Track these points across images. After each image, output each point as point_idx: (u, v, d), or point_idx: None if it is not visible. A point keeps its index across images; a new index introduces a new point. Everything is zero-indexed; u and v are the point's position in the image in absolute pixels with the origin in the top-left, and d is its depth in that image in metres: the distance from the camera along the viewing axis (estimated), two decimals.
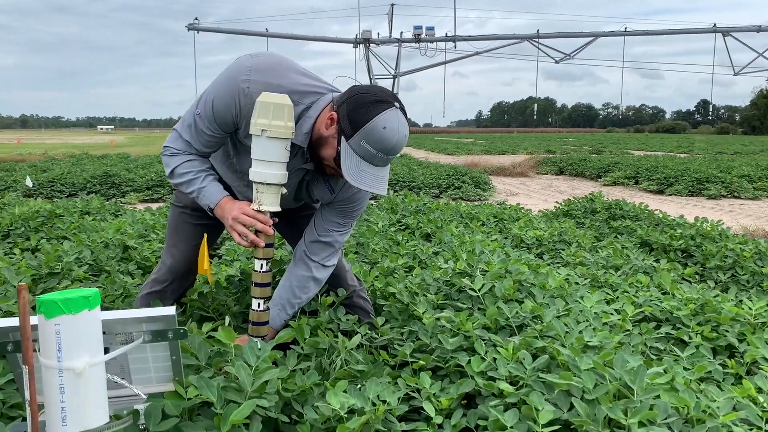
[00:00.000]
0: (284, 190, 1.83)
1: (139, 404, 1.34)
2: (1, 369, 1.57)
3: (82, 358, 1.14)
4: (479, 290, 2.41)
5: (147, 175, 10.60)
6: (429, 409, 1.60)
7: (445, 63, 32.60)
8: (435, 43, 31.41)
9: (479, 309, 2.37)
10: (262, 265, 1.85)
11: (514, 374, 1.70)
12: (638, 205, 6.17)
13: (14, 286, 2.50)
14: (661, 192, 11.45)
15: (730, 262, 3.85)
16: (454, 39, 31.34)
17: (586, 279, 3.14)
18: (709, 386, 1.74)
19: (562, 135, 68.49)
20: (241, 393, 1.42)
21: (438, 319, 2.15)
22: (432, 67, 33.05)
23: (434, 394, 1.68)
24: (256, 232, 1.82)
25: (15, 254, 3.46)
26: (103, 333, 1.23)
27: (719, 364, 2.11)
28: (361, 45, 31.74)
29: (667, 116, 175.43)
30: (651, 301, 2.73)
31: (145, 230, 4.23)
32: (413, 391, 1.72)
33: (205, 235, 1.99)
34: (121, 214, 5.82)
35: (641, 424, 1.43)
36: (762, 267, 3.75)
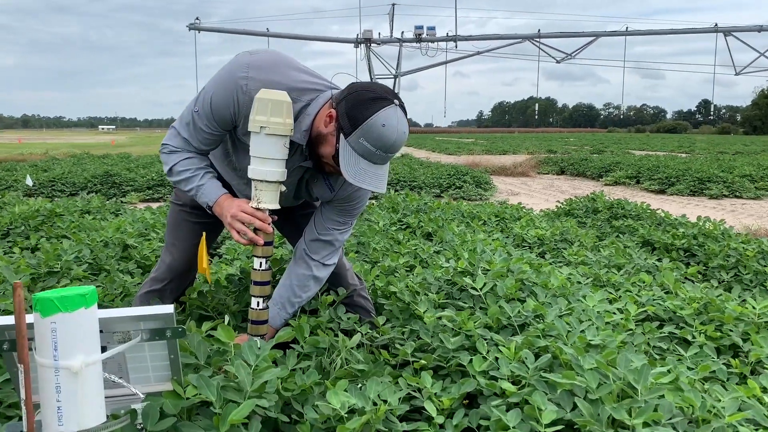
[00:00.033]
0: (283, 188, 1.82)
1: (137, 404, 1.32)
2: None
3: (79, 356, 1.12)
4: (481, 289, 2.39)
5: (148, 174, 10.59)
6: (430, 408, 1.58)
7: (446, 63, 32.57)
8: (436, 43, 31.37)
9: (481, 308, 2.35)
10: (261, 263, 1.83)
11: (516, 374, 1.68)
12: (640, 204, 6.15)
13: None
14: (662, 192, 11.43)
15: (732, 262, 3.82)
16: (455, 39, 31.31)
17: (588, 278, 3.12)
18: (714, 386, 1.72)
19: (563, 135, 68.48)
20: (240, 392, 1.40)
21: (439, 318, 2.13)
22: (433, 67, 33.01)
23: (436, 394, 1.66)
24: (255, 230, 1.80)
25: (14, 253, 3.44)
26: (101, 331, 1.21)
27: (723, 363, 2.09)
28: (362, 45, 31.72)
29: (669, 116, 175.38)
30: (654, 300, 2.71)
31: (145, 229, 4.21)
32: (414, 391, 1.70)
33: (204, 233, 1.98)
34: (121, 213, 5.81)
35: (646, 424, 1.41)
36: (765, 266, 3.73)
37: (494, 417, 1.50)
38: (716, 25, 30.31)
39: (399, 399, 1.58)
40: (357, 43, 31.70)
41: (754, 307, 2.49)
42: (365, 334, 2.09)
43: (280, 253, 2.96)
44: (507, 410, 1.53)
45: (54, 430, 1.12)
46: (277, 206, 1.82)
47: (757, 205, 9.73)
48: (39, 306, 1.10)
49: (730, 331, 2.34)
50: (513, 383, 1.66)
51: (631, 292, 2.90)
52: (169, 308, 1.28)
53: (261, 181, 1.77)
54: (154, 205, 6.63)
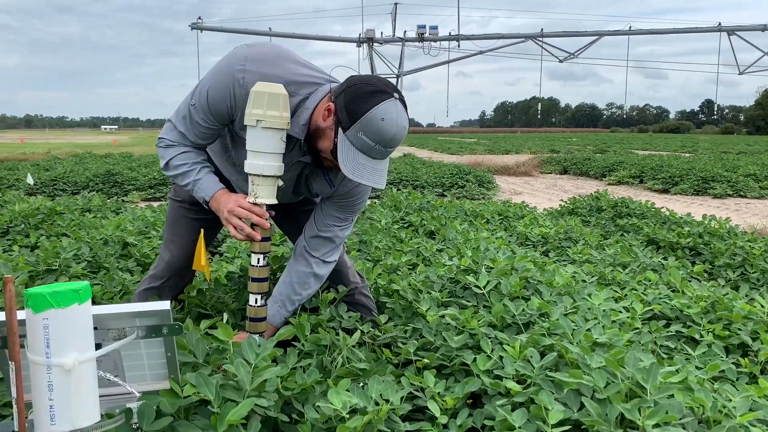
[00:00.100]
0: (280, 182, 1.78)
1: (133, 403, 1.29)
2: None
3: (72, 354, 1.09)
4: (484, 287, 2.35)
5: (150, 173, 10.58)
6: (434, 408, 1.55)
7: (448, 62, 32.51)
8: (438, 43, 31.29)
9: (485, 306, 2.31)
10: (259, 259, 1.80)
11: (521, 373, 1.65)
12: (644, 203, 6.11)
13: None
14: (666, 191, 11.37)
15: (739, 260, 3.78)
16: (458, 38, 31.24)
17: (593, 277, 3.08)
18: (724, 385, 1.68)
19: (565, 135, 68.46)
20: (239, 391, 1.36)
21: (442, 316, 2.10)
22: (435, 66, 32.93)
23: (439, 393, 1.62)
24: (253, 225, 1.77)
25: (14, 251, 3.41)
26: (95, 328, 1.18)
27: (732, 363, 2.05)
28: (364, 44, 31.68)
29: (671, 116, 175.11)
30: (660, 298, 2.67)
31: (146, 227, 4.19)
32: (417, 390, 1.67)
33: (203, 230, 1.94)
34: (122, 212, 5.78)
35: (656, 425, 1.37)
36: None
37: (499, 417, 1.46)
38: (720, 24, 30.21)
39: (401, 398, 1.54)
40: (359, 42, 31.67)
41: (762, 306, 2.45)
42: (367, 333, 2.06)
43: (281, 251, 2.92)
44: (512, 410, 1.49)
45: (46, 429, 1.09)
46: (274, 201, 1.78)
47: (761, 205, 9.68)
48: (31, 302, 1.07)
49: (739, 330, 2.30)
50: (518, 382, 1.63)
51: (636, 290, 2.86)
52: (165, 305, 1.24)
53: (258, 175, 1.73)
54: (155, 204, 6.60)
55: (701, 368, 1.94)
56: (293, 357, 1.66)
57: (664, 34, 32.42)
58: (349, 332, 2.08)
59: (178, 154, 1.86)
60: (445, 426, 1.53)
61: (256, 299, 1.82)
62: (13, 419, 1.17)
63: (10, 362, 1.07)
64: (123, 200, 8.74)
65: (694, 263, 3.99)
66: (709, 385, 1.74)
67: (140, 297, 2.16)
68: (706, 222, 4.86)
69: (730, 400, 1.57)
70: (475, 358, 1.75)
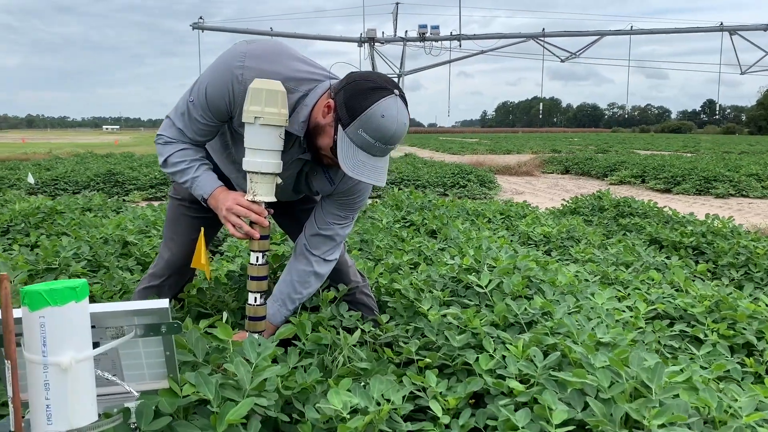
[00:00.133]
0: (279, 180, 1.76)
1: (131, 402, 1.27)
2: None
3: (69, 352, 1.07)
4: (487, 286, 2.33)
5: (151, 173, 10.57)
6: (436, 408, 1.53)
7: (450, 62, 32.48)
8: (440, 42, 31.26)
9: (487, 306, 2.29)
10: (258, 257, 1.78)
11: (524, 372, 1.63)
12: (647, 202, 6.09)
13: (11, 282, 2.44)
14: (668, 191, 11.35)
15: (743, 260, 3.76)
16: (459, 38, 31.20)
17: (596, 276, 3.06)
18: (730, 385, 1.66)
19: (567, 135, 68.37)
20: (239, 391, 1.35)
21: (444, 315, 2.08)
22: (437, 66, 32.89)
23: (441, 393, 1.61)
24: (251, 223, 1.75)
25: (14, 250, 3.40)
26: (93, 327, 1.16)
27: (737, 362, 2.03)
28: (365, 44, 31.66)
29: (673, 116, 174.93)
30: (664, 298, 2.65)
31: (146, 226, 4.17)
32: (419, 390, 1.65)
33: (203, 228, 1.93)
34: (122, 211, 5.76)
35: (662, 425, 1.35)
36: None
37: (502, 417, 1.44)
38: (721, 24, 30.15)
39: (403, 398, 1.53)
40: (361, 42, 31.64)
41: (767, 305, 2.43)
42: (368, 332, 2.04)
43: (281, 249, 2.90)
44: (515, 410, 1.47)
45: (43, 429, 1.08)
46: (273, 199, 1.76)
47: (764, 204, 9.65)
48: (27, 299, 1.05)
49: (744, 329, 2.28)
50: (521, 382, 1.61)
51: (640, 289, 2.84)
52: (164, 302, 1.23)
53: (256, 173, 1.72)
54: (156, 204, 6.59)
55: (706, 368, 1.92)
56: (294, 356, 1.64)
57: (666, 34, 32.37)
58: (350, 331, 2.06)
59: (177, 151, 1.84)
60: (447, 426, 1.52)
61: (255, 298, 1.80)
62: (8, 418, 1.16)
63: (6, 361, 1.05)
64: (124, 200, 8.73)
65: (697, 263, 3.97)
66: (715, 385, 1.72)
67: (140, 296, 2.14)
68: (709, 221, 4.84)
69: (736, 400, 1.55)
70: (477, 358, 1.74)
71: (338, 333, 1.91)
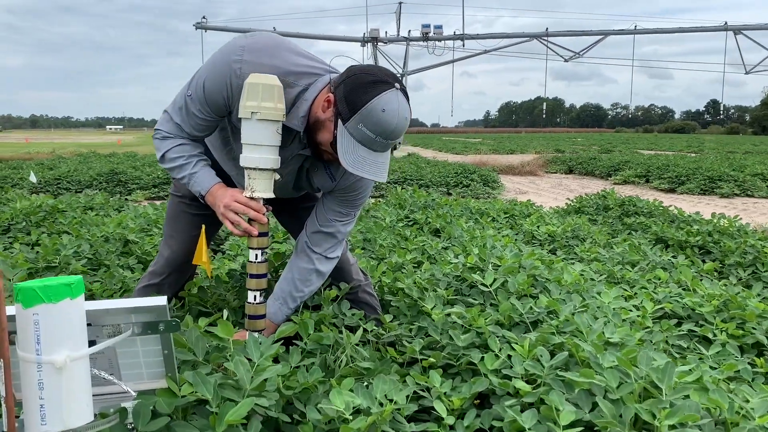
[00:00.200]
0: (277, 176, 1.73)
1: (129, 402, 1.24)
2: None
3: (63, 351, 1.04)
4: (491, 285, 2.30)
5: (153, 172, 10.56)
6: (440, 409, 1.50)
7: (453, 62, 32.43)
8: (443, 42, 31.21)
9: (491, 305, 2.26)
10: (257, 255, 1.75)
11: (530, 372, 1.59)
12: (652, 201, 6.04)
13: (9, 280, 2.42)
14: (672, 191, 11.30)
15: (750, 259, 3.71)
16: (463, 37, 31.15)
17: (602, 275, 3.03)
18: (741, 386, 1.62)
19: (570, 135, 68.30)
20: (239, 391, 1.32)
21: (448, 314, 2.05)
22: (440, 66, 32.85)
23: (445, 393, 1.57)
24: (250, 220, 1.72)
25: (15, 248, 3.38)
26: (89, 325, 1.13)
27: (747, 363, 1.99)
28: (368, 44, 31.63)
29: (677, 116, 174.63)
30: (671, 297, 2.61)
31: (147, 225, 4.15)
32: (423, 390, 1.62)
33: (204, 226, 1.90)
34: (124, 210, 5.74)
35: (672, 426, 1.32)
36: None
37: (508, 418, 1.41)
38: (726, 23, 30.03)
39: (406, 398, 1.49)
40: (364, 42, 31.62)
41: None
42: (371, 331, 2.01)
43: (284, 248, 2.87)
44: (522, 411, 1.44)
45: (36, 429, 1.05)
46: (271, 195, 1.73)
47: None
48: (21, 296, 1.02)
49: (753, 329, 2.25)
50: (527, 382, 1.57)
51: (646, 289, 2.80)
52: (162, 300, 1.20)
53: (254, 169, 1.69)
54: (158, 202, 6.57)
55: (715, 368, 1.89)
56: (296, 355, 1.61)
57: (670, 34, 32.26)
58: (353, 330, 2.03)
59: (174, 146, 1.81)
60: (451, 427, 1.48)
61: (255, 296, 1.77)
62: (1, 419, 1.13)
63: None
64: (126, 199, 8.71)
65: (704, 262, 3.93)
66: (725, 386, 1.69)
67: (140, 294, 2.11)
68: (716, 220, 4.79)
69: (748, 401, 1.52)
70: (482, 357, 1.70)
71: (341, 332, 1.88)
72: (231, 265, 2.75)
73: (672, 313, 2.50)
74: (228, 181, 1.95)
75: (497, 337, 1.85)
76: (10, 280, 2.40)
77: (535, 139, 44.02)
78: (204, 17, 31.23)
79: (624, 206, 5.97)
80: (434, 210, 5.13)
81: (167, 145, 1.82)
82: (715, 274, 3.64)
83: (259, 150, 1.66)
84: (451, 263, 2.70)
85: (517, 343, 1.75)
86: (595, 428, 1.39)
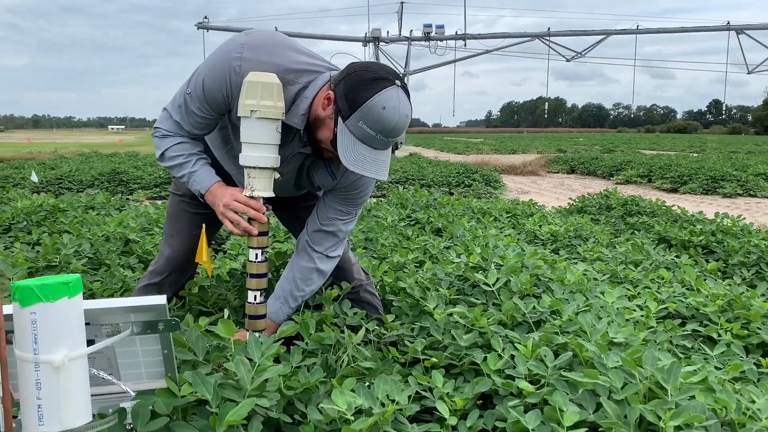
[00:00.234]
0: (277, 175, 1.72)
1: (128, 402, 1.23)
2: None
3: (61, 350, 1.03)
4: (494, 285, 2.28)
5: (155, 172, 10.55)
6: (442, 409, 1.48)
7: (455, 61, 32.37)
8: (445, 42, 31.14)
9: (494, 304, 2.24)
10: (257, 255, 1.74)
11: (534, 372, 1.58)
12: (655, 201, 6.02)
13: (9, 279, 2.41)
14: (674, 190, 11.27)
15: (754, 258, 3.69)
16: (464, 37, 31.08)
17: (605, 275, 3.01)
18: (747, 386, 1.60)
19: (572, 135, 68.25)
20: (239, 391, 1.30)
21: (451, 314, 2.03)
22: (442, 66, 32.80)
23: (448, 394, 1.56)
24: (250, 219, 1.71)
25: (15, 248, 3.37)
26: (88, 324, 1.12)
27: (753, 363, 1.97)
28: (370, 44, 31.60)
29: (679, 116, 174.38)
30: (675, 297, 2.59)
31: (148, 224, 4.14)
32: (425, 391, 1.60)
33: (204, 225, 1.88)
34: (125, 209, 5.73)
35: (678, 428, 1.30)
36: None
37: (511, 418, 1.39)
38: (728, 23, 29.93)
39: (409, 398, 1.48)
40: (365, 41, 31.60)
41: None
42: (372, 331, 1.99)
43: (285, 247, 2.86)
44: (525, 411, 1.42)
45: (34, 430, 1.03)
46: (271, 194, 1.72)
47: None
48: (18, 295, 1.01)
49: (758, 329, 2.23)
50: (531, 382, 1.56)
51: (650, 288, 2.79)
52: (161, 299, 1.18)
53: (253, 168, 1.67)
54: (160, 202, 6.56)
55: (720, 368, 1.87)
56: (297, 355, 1.60)
57: (672, 33, 32.19)
58: (354, 330, 2.01)
59: (174, 144, 1.80)
60: (454, 428, 1.47)
61: (255, 296, 1.76)
62: None
63: None
64: (128, 199, 8.71)
65: (707, 261, 3.91)
66: (730, 386, 1.67)
67: (140, 293, 2.10)
68: (719, 220, 4.77)
69: (753, 402, 1.50)
70: (485, 357, 1.69)
71: (342, 332, 1.86)
72: (232, 265, 2.74)
73: (676, 312, 2.48)
74: (228, 180, 1.93)
75: (500, 336, 1.84)
76: (10, 279, 2.39)
77: (537, 139, 43.99)
78: (206, 17, 31.20)
79: (627, 206, 5.95)
80: (436, 209, 5.12)
81: (167, 143, 1.80)
82: (719, 273, 3.62)
83: (259, 149, 1.65)
84: (454, 263, 2.68)
85: (520, 343, 1.74)
86: (600, 429, 1.37)
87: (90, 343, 1.11)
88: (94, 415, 1.11)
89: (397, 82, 1.60)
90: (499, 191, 10.57)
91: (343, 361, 1.71)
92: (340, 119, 1.59)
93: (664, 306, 2.45)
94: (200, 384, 1.26)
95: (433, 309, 2.09)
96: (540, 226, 4.58)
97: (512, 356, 1.68)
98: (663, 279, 2.99)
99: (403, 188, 6.83)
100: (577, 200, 6.61)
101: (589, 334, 1.77)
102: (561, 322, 1.92)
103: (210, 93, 1.70)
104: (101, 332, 1.18)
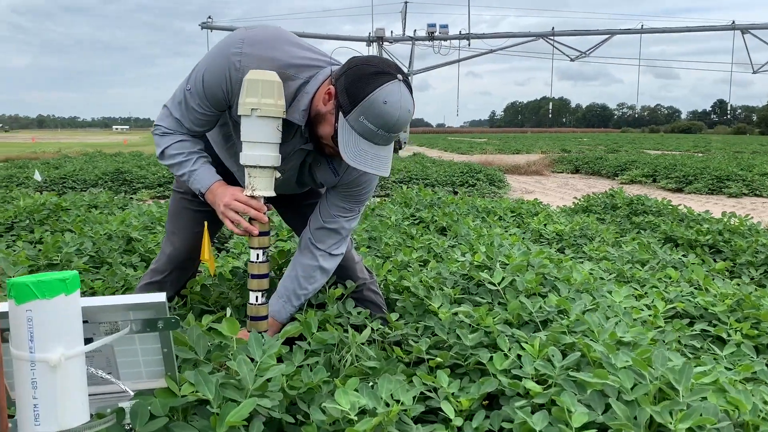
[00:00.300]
0: (278, 174, 1.69)
1: (126, 402, 1.20)
2: None
3: (58, 348, 1.00)
4: (499, 284, 2.25)
5: (159, 172, 10.53)
6: (448, 409, 1.45)
7: (459, 61, 32.29)
8: (449, 42, 31.07)
9: (499, 303, 2.21)
10: (258, 255, 1.71)
11: (541, 372, 1.55)
12: (661, 200, 5.98)
13: (10, 277, 2.39)
14: (679, 190, 11.21)
15: (762, 258, 3.65)
16: (468, 37, 31.01)
17: (611, 274, 2.97)
18: (759, 387, 1.57)
19: (576, 135, 68.13)
20: (241, 391, 1.28)
21: (455, 313, 2.00)
22: (446, 65, 32.72)
23: (453, 394, 1.53)
24: (251, 219, 1.68)
25: (18, 246, 3.35)
26: (86, 322, 1.10)
27: (765, 363, 1.94)
28: (374, 43, 31.56)
29: (683, 116, 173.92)
30: (683, 296, 2.56)
31: (151, 222, 4.12)
32: (430, 391, 1.58)
33: (206, 222, 1.86)
34: (128, 208, 5.72)
35: (689, 429, 1.27)
36: None
37: (518, 419, 1.37)
38: (733, 22, 29.81)
39: (413, 399, 1.45)
40: (369, 41, 31.56)
41: None
42: (376, 330, 1.96)
43: (288, 246, 2.83)
44: (532, 412, 1.39)
45: (30, 429, 1.01)
46: (272, 193, 1.69)
47: None
48: (13, 292, 0.99)
49: None
50: (538, 383, 1.53)
51: (657, 288, 2.75)
52: (161, 296, 1.16)
53: (254, 167, 1.65)
54: (163, 201, 6.55)
55: (731, 369, 1.83)
56: (300, 355, 1.57)
57: (677, 33, 32.05)
58: (358, 329, 1.99)
59: (174, 142, 1.77)
60: (459, 429, 1.44)
61: (257, 297, 1.73)
62: None
63: None
64: (132, 198, 8.70)
65: (714, 261, 3.87)
66: (742, 387, 1.63)
67: (141, 292, 2.08)
68: (726, 219, 4.72)
69: (766, 403, 1.46)
70: (491, 357, 1.66)
71: (345, 331, 1.83)
72: (235, 263, 2.71)
73: (684, 312, 2.45)
74: (229, 178, 1.91)
75: (506, 336, 1.81)
76: (10, 278, 2.37)
77: (541, 139, 43.92)
78: (210, 17, 31.21)
79: (632, 205, 5.91)
80: (440, 208, 5.09)
81: (167, 141, 1.78)
82: (727, 273, 3.58)
83: (260, 147, 1.62)
84: (458, 261, 2.65)
85: (526, 343, 1.71)
86: (609, 430, 1.34)
87: (88, 341, 1.09)
88: (92, 415, 1.08)
89: (399, 75, 1.57)
90: (503, 191, 10.53)
91: (346, 360, 1.68)
92: (341, 114, 1.57)
93: (672, 305, 2.42)
94: (202, 383, 1.23)
95: (438, 308, 2.07)
96: (545, 225, 4.55)
97: (519, 356, 1.65)
98: (670, 278, 2.95)
99: (407, 188, 6.80)
100: (582, 199, 6.57)
101: (597, 333, 1.74)
102: (568, 322, 1.89)
103: (210, 89, 1.67)
104: (99, 330, 1.15)
